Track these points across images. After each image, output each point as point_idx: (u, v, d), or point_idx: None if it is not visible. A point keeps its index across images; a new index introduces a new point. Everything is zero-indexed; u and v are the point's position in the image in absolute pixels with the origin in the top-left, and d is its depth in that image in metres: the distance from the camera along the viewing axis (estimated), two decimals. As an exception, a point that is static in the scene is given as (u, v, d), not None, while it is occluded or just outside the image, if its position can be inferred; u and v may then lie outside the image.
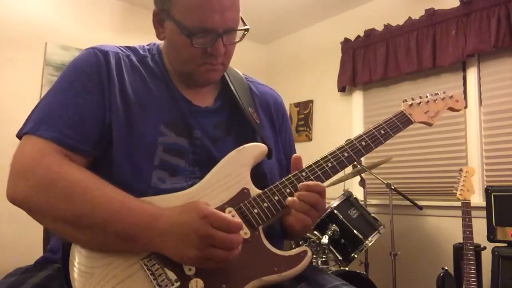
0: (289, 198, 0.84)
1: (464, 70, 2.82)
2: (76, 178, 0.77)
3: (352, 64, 3.40)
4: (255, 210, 0.83)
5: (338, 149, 0.91)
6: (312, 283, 0.85)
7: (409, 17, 3.03)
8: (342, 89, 3.50)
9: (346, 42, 3.48)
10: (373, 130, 0.95)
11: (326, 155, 0.90)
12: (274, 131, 1.05)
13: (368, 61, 3.28)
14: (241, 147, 0.89)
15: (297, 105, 3.94)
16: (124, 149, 0.83)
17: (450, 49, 2.75)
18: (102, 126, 0.84)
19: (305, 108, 3.88)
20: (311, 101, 3.85)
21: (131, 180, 0.82)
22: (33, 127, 0.82)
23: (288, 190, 0.86)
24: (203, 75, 0.92)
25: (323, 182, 0.88)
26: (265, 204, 0.84)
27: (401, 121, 1.00)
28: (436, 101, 1.07)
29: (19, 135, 0.85)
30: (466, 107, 2.77)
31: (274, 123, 1.06)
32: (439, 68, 2.88)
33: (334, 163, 0.89)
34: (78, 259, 0.74)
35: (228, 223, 0.73)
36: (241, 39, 0.93)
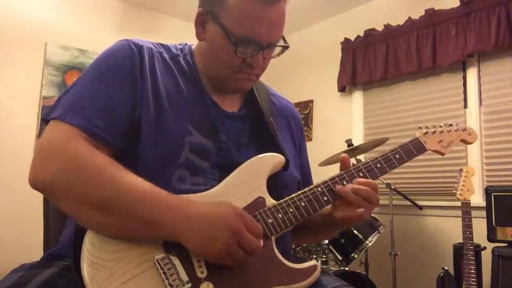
0: (341, 187, 0.87)
1: (464, 70, 2.82)
2: (105, 164, 0.78)
3: (352, 64, 3.40)
4: (270, 220, 0.84)
5: (355, 169, 0.93)
6: (313, 283, 0.85)
7: (409, 17, 3.03)
8: (342, 89, 3.50)
9: (346, 42, 3.49)
10: (389, 154, 0.99)
11: (342, 173, 0.92)
12: (294, 146, 1.07)
13: (368, 61, 3.28)
14: (259, 155, 0.90)
15: (297, 105, 3.93)
16: (152, 145, 0.84)
17: (450, 49, 2.75)
18: (131, 120, 0.84)
19: (305, 108, 3.88)
20: (311, 101, 3.85)
21: (153, 178, 0.81)
22: (62, 113, 0.81)
23: (303, 204, 0.87)
24: (236, 83, 0.94)
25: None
26: (280, 215, 0.85)
27: (416, 148, 1.03)
28: (450, 132, 1.10)
29: (46, 119, 0.84)
30: (466, 107, 2.78)
31: (295, 139, 1.08)
32: (439, 68, 2.88)
33: (350, 181, 0.91)
34: (91, 251, 0.74)
35: (257, 228, 0.78)
36: (278, 55, 0.96)
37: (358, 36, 3.38)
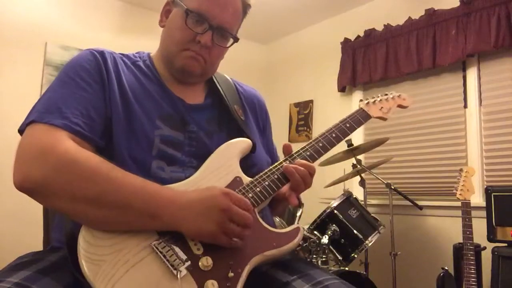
0: (289, 166, 0.95)
1: (464, 70, 2.82)
2: (97, 160, 0.80)
3: (352, 64, 3.40)
4: (250, 194, 0.91)
5: (314, 140, 1.04)
6: (305, 276, 0.88)
7: (409, 17, 3.03)
8: (342, 89, 3.50)
9: (346, 42, 3.48)
10: (341, 124, 1.10)
11: (305, 146, 1.02)
12: (258, 128, 1.15)
13: (368, 61, 3.28)
14: (229, 141, 0.99)
15: (297, 105, 3.94)
16: (124, 142, 0.88)
17: (450, 49, 2.75)
18: (104, 118, 0.89)
19: (305, 108, 3.88)
20: (311, 101, 3.85)
21: (132, 170, 0.84)
22: (39, 116, 0.82)
23: (276, 176, 0.95)
24: (182, 60, 0.98)
25: None
26: (258, 189, 0.92)
27: (361, 116, 1.15)
28: (388, 100, 1.26)
29: (22, 128, 0.84)
30: (466, 107, 2.78)
31: (259, 121, 1.17)
32: (439, 68, 2.88)
33: (311, 151, 1.02)
34: (87, 249, 0.75)
35: (245, 201, 0.83)
36: (228, 46, 1.03)
37: (358, 36, 3.38)
